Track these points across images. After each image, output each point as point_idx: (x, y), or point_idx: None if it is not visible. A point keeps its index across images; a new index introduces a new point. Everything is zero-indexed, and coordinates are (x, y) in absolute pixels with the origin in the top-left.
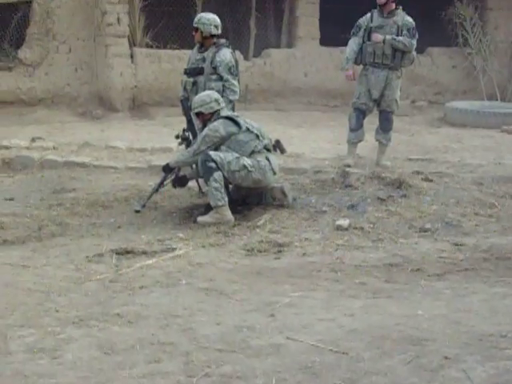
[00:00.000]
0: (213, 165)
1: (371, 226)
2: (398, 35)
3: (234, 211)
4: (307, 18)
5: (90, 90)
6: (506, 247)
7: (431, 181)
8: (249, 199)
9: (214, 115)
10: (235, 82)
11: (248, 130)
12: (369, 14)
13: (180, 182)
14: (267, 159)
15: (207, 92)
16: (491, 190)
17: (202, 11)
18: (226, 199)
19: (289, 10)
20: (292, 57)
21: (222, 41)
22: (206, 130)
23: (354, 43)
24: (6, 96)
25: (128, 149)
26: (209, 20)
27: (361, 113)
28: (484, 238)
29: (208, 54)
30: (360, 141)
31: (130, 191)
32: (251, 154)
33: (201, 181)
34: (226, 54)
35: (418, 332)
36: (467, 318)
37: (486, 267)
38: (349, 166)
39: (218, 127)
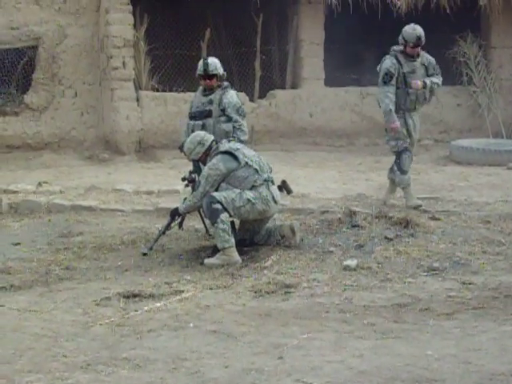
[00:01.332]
0: (218, 206)
1: (379, 265)
2: (427, 75)
3: (241, 252)
4: (311, 59)
5: (97, 134)
6: None
7: (438, 219)
8: (256, 238)
9: (210, 152)
10: (244, 123)
11: (247, 164)
12: (393, 60)
13: (173, 214)
14: (268, 189)
15: (190, 138)
16: (498, 227)
17: (207, 54)
18: (233, 241)
19: (293, 51)
20: (297, 97)
21: (226, 83)
22: (206, 170)
23: (390, 93)
24: (13, 140)
25: (135, 192)
26: (219, 64)
27: (410, 152)
28: (492, 276)
29: (215, 97)
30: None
31: (137, 234)
32: (251, 188)
33: (207, 222)
34: (233, 96)
35: (427, 372)
36: (477, 358)
37: (494, 306)
38: (419, 206)
39: (218, 165)
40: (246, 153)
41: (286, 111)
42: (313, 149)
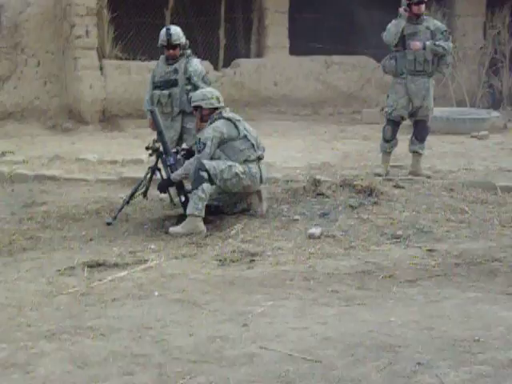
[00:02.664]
0: (205, 174)
1: (343, 233)
2: (433, 39)
3: (205, 221)
4: (276, 28)
5: (60, 103)
6: (478, 252)
7: (402, 187)
8: (222, 207)
9: (213, 113)
10: None
11: (245, 137)
12: (396, 24)
13: (164, 185)
14: (258, 167)
15: (209, 88)
16: (462, 195)
17: (171, 22)
18: (203, 213)
19: (258, 19)
20: (262, 66)
21: (189, 51)
22: (210, 132)
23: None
24: None
25: (99, 161)
26: (181, 32)
27: (395, 124)
28: (455, 244)
29: (180, 66)
30: (393, 149)
31: (101, 204)
32: (244, 161)
33: (172, 192)
34: (197, 64)
35: (390, 339)
36: (440, 324)
37: (457, 273)
38: (380, 175)
39: (222, 128)
40: (246, 126)
41: (251, 80)
42: (278, 118)
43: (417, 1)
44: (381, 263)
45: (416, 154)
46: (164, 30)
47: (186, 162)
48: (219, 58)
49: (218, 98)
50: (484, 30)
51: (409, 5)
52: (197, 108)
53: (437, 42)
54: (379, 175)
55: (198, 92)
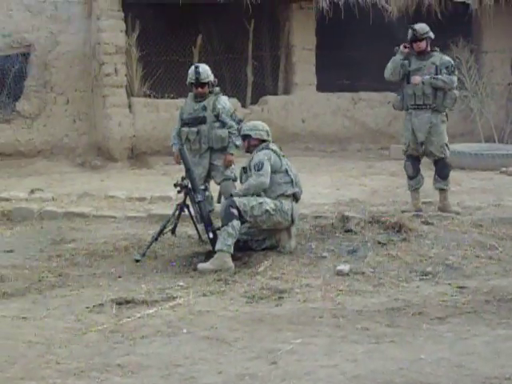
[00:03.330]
0: (235, 211)
1: (372, 270)
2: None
3: (233, 258)
4: (303, 65)
5: (89, 141)
6: (508, 289)
7: (431, 224)
8: (251, 242)
9: (260, 144)
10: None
11: (286, 171)
12: (406, 61)
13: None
14: (292, 206)
15: (260, 122)
16: (491, 231)
17: (199, 61)
18: (232, 249)
19: (285, 57)
20: (289, 103)
21: (217, 89)
22: (262, 157)
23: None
24: (5, 148)
25: (127, 198)
26: (209, 70)
27: (415, 159)
28: (485, 281)
29: (208, 103)
30: (421, 186)
31: (130, 240)
32: (278, 196)
33: (200, 228)
34: (226, 101)
35: (421, 376)
36: (470, 361)
37: (488, 310)
38: (406, 211)
39: (270, 155)
40: (288, 162)
41: (279, 117)
42: (305, 154)
43: (414, 39)
44: (410, 300)
45: (442, 190)
46: (193, 68)
47: (248, 179)
48: (247, 96)
49: (267, 132)
50: None
51: (411, 42)
52: (245, 138)
53: (436, 76)
54: (408, 211)
55: (249, 123)
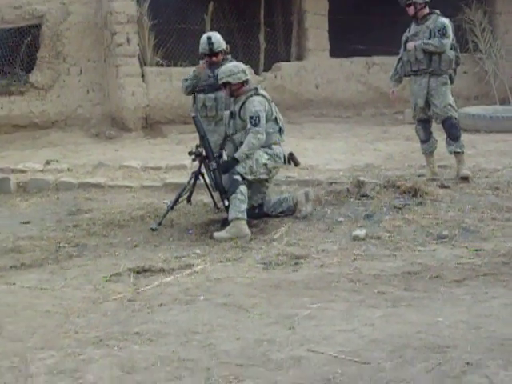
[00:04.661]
0: (239, 177)
1: (388, 235)
2: (430, 39)
3: (250, 225)
4: (316, 30)
5: (103, 111)
6: None
7: (447, 187)
8: (267, 206)
9: (242, 87)
10: None
11: (275, 120)
12: (408, 28)
13: (229, 167)
14: (281, 147)
15: (234, 63)
16: (507, 194)
17: (211, 28)
18: (246, 214)
19: (297, 22)
20: (302, 69)
21: (229, 56)
22: (257, 106)
23: (396, 61)
24: (19, 120)
25: (142, 168)
26: (221, 38)
27: (425, 123)
28: (502, 243)
29: None
30: (434, 149)
31: (146, 210)
32: (269, 145)
33: (216, 196)
34: (239, 66)
35: (439, 339)
36: (488, 323)
37: (505, 271)
38: (422, 175)
39: (264, 102)
40: (277, 109)
41: (292, 83)
42: (319, 120)
43: (404, 3)
44: (427, 264)
45: (457, 154)
46: (205, 38)
47: (247, 138)
48: (260, 62)
49: (244, 71)
50: None
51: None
52: (225, 85)
53: (426, 41)
54: (431, 177)
55: (223, 68)
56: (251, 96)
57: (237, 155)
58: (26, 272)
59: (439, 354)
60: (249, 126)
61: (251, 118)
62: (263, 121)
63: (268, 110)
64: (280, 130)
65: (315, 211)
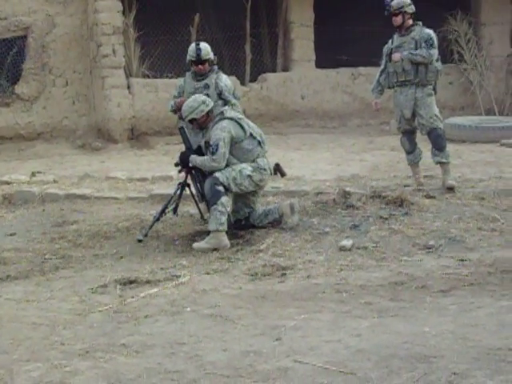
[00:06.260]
0: (221, 188)
1: (374, 245)
2: (416, 49)
3: (236, 236)
4: (302, 41)
5: (89, 122)
6: (511, 260)
7: (433, 197)
8: (253, 217)
9: (209, 118)
10: (239, 105)
11: (251, 135)
12: (391, 39)
13: (183, 158)
14: (265, 159)
15: (192, 97)
16: (493, 204)
17: (197, 39)
18: (226, 226)
19: (283, 33)
20: (288, 80)
21: (216, 67)
22: (219, 133)
23: (378, 72)
24: (5, 132)
25: (128, 179)
26: (210, 48)
27: (410, 133)
28: (488, 253)
29: (211, 81)
30: (419, 160)
31: (132, 221)
32: (253, 160)
33: (202, 207)
34: (227, 79)
35: (425, 349)
36: (474, 333)
37: (491, 281)
38: (408, 186)
39: (229, 127)
40: (250, 123)
41: (278, 94)
42: (305, 131)
43: (391, 12)
44: (413, 274)
45: (443, 164)
46: (193, 45)
47: (203, 157)
48: (246, 73)
49: (204, 103)
50: (511, 38)
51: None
52: (192, 121)
53: (414, 51)
54: (408, 186)
55: (184, 106)
56: (217, 122)
57: (190, 158)
58: (12, 284)
59: (426, 364)
60: (208, 153)
61: (210, 145)
62: (221, 150)
63: (237, 132)
64: (259, 143)
65: (301, 222)
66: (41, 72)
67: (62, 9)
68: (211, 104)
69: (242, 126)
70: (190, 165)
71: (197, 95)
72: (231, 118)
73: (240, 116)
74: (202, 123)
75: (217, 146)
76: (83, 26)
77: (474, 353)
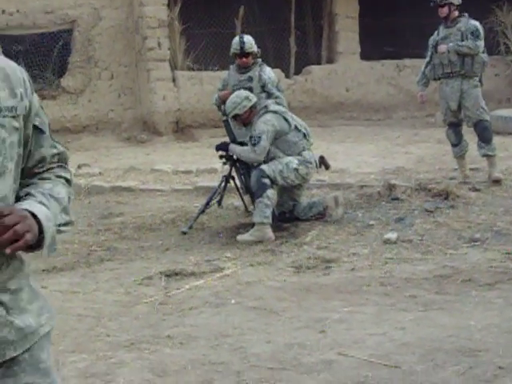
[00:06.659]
0: (267, 181)
1: (419, 238)
2: (462, 41)
3: (280, 229)
4: (347, 33)
5: (134, 115)
6: None
7: (479, 190)
8: (297, 210)
9: (252, 113)
10: (284, 98)
11: (296, 128)
12: (436, 31)
13: (221, 147)
14: (311, 152)
15: (235, 93)
16: None
17: (242, 32)
18: (271, 219)
19: (328, 25)
20: (333, 72)
21: (260, 60)
22: (262, 126)
23: (423, 64)
24: (52, 125)
25: (173, 171)
26: (253, 41)
27: (456, 126)
28: None
29: (254, 74)
30: (465, 152)
31: (177, 213)
32: (299, 153)
33: (246, 200)
34: (270, 72)
35: (470, 343)
36: None
37: None
38: (454, 178)
39: (272, 121)
40: (294, 116)
41: (322, 86)
42: (350, 123)
43: (437, 4)
44: (459, 267)
45: (489, 156)
46: (237, 38)
47: (243, 147)
48: (290, 66)
49: (247, 98)
50: None
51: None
52: (235, 117)
53: (460, 43)
54: (463, 179)
55: (227, 103)
56: (261, 116)
57: (230, 147)
58: (58, 275)
59: (471, 358)
60: (249, 144)
61: (251, 137)
62: (263, 144)
63: (282, 125)
64: (305, 136)
65: (346, 215)
66: (86, 65)
67: (108, 2)
68: (254, 99)
69: (286, 119)
70: (234, 156)
71: (240, 91)
72: (275, 112)
73: (284, 109)
74: (246, 119)
75: (259, 137)
76: (129, 19)
77: None
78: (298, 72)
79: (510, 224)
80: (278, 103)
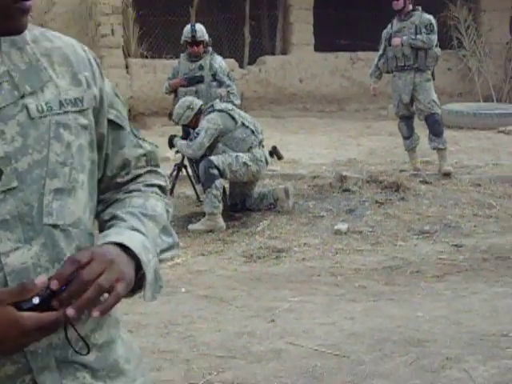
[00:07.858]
0: (215, 172)
1: (370, 229)
2: (416, 34)
3: (232, 218)
4: (301, 25)
5: None
6: (505, 247)
7: (429, 183)
8: (248, 202)
9: (203, 112)
10: (235, 87)
11: (243, 124)
12: (390, 24)
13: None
14: (261, 150)
15: (179, 103)
16: (489, 190)
17: (196, 21)
18: (221, 207)
19: (282, 16)
20: (287, 63)
21: (210, 49)
22: (205, 123)
23: (376, 57)
24: None
25: None
26: (205, 30)
27: (408, 119)
28: (483, 239)
29: (205, 62)
30: (416, 145)
31: None
32: (248, 150)
33: (198, 189)
34: (222, 61)
35: (418, 334)
36: (468, 319)
37: (485, 267)
38: (404, 171)
39: (216, 119)
40: (241, 113)
41: (276, 77)
42: (303, 114)
43: None
44: (408, 258)
45: (439, 150)
46: (188, 26)
47: (183, 142)
48: (244, 56)
49: (189, 107)
50: (510, 25)
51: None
52: (184, 126)
53: (414, 36)
54: (414, 171)
55: (174, 114)
56: (206, 115)
57: (175, 139)
58: None
59: (419, 348)
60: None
61: (193, 133)
62: (199, 139)
63: (226, 123)
64: (253, 132)
65: (297, 205)
66: None
67: None
68: (198, 105)
69: (232, 117)
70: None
71: (182, 100)
72: (221, 110)
73: (231, 107)
74: (194, 124)
75: (197, 134)
76: (82, 5)
77: (467, 338)
78: (252, 62)
79: (459, 217)
80: (230, 92)
